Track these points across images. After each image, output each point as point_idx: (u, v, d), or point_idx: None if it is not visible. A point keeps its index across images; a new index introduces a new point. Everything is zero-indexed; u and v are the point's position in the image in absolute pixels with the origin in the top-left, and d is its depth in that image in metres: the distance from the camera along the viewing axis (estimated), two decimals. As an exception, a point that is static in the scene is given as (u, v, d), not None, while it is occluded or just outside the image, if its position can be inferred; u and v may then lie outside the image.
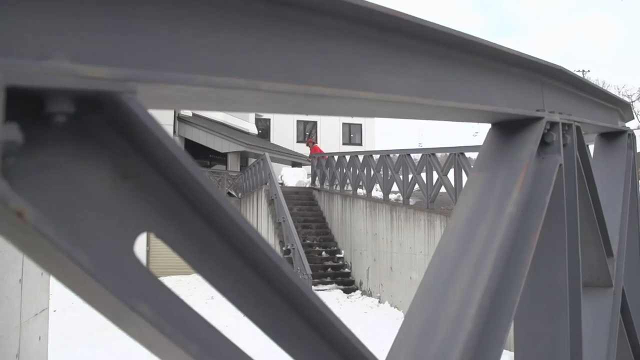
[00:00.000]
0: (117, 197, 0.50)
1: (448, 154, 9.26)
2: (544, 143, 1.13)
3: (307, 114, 0.74)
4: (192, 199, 0.54)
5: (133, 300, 0.46)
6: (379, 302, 10.84)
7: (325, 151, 17.04)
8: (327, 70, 0.66)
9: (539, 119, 1.10)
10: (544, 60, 1.13)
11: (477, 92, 0.97)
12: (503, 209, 0.98)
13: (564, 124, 1.18)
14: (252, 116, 24.32)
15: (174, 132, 20.39)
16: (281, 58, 0.61)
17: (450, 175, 8.91)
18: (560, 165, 1.13)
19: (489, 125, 1.14)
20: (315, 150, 16.90)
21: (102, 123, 0.47)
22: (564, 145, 1.17)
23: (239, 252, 0.57)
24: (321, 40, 0.66)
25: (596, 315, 1.36)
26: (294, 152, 23.88)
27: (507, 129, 1.11)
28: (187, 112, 20.77)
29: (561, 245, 1.12)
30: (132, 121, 0.47)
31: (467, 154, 8.69)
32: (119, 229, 0.49)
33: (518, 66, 1.09)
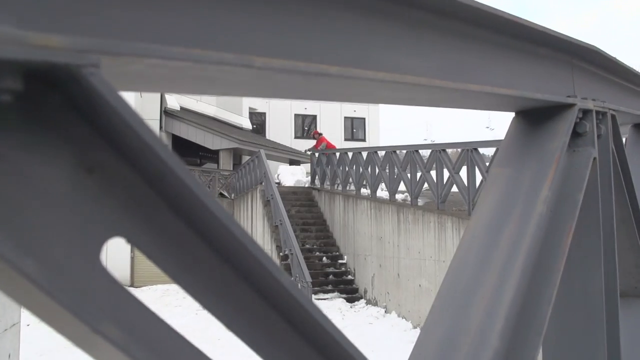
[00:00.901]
0: (80, 195, 0.45)
1: (460, 149, 9.23)
2: (575, 134, 1.08)
3: (308, 97, 0.69)
4: (171, 197, 0.49)
5: (97, 319, 0.41)
6: (385, 312, 10.83)
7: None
8: (331, 46, 0.61)
9: (570, 106, 1.06)
10: (575, 39, 1.08)
11: (501, 75, 0.93)
12: (531, 208, 0.95)
13: (597, 112, 1.13)
14: (245, 110, 24.32)
15: (160, 127, 20.33)
16: (278, 30, 0.56)
17: (463, 173, 8.87)
18: (594, 158, 1.09)
19: (506, 117, 1.09)
20: (322, 142, 16.67)
21: (60, 105, 0.42)
22: (598, 136, 1.13)
23: (228, 260, 0.53)
24: (325, 12, 0.61)
25: (636, 330, 1.31)
26: (291, 148, 23.85)
27: (534, 118, 1.07)
28: (175, 106, 20.72)
29: (596, 249, 1.07)
30: (96, 102, 0.42)
31: (481, 150, 8.65)
32: (81, 233, 0.45)
33: (546, 46, 1.05)
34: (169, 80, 0.52)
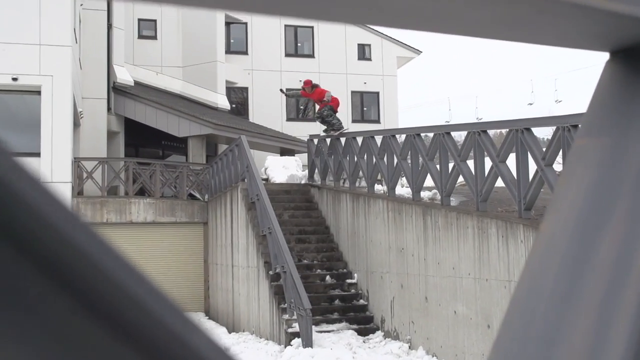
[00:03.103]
0: None
1: (505, 130, 9.16)
2: None
3: (280, 13, 0.52)
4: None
5: None
6: (409, 347, 10.87)
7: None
8: None
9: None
10: None
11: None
12: (646, 200, 0.81)
13: None
14: (221, 84, 24.35)
15: (108, 108, 20.32)
16: None
17: (510, 161, 8.81)
18: None
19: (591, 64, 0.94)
20: (319, 95, 16.43)
21: None
22: None
23: (87, 302, 0.35)
24: None
25: None
26: (283, 134, 23.90)
27: (641, 60, 0.93)
28: (127, 80, 20.68)
29: None
30: None
31: (535, 130, 8.57)
32: None
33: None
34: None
